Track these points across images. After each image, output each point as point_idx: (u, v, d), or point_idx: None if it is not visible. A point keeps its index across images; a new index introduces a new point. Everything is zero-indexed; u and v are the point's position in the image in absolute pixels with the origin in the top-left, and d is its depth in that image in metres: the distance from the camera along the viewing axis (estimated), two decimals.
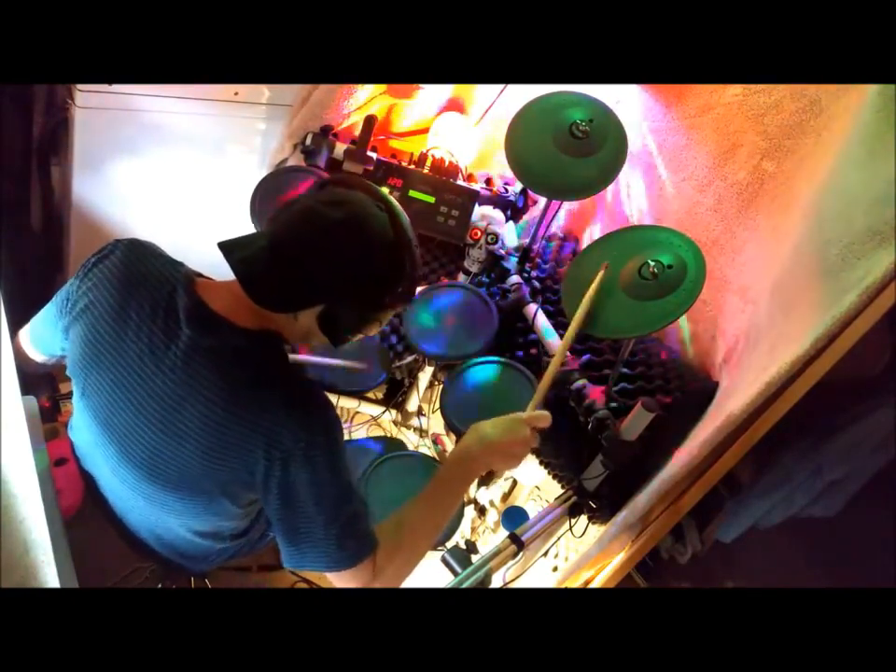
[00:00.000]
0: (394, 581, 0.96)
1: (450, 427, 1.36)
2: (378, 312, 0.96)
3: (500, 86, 1.76)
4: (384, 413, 1.83)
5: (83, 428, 1.00)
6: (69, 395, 1.01)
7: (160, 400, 0.89)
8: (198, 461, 0.89)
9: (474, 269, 1.75)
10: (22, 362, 1.07)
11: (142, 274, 0.93)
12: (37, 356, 1.08)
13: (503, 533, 1.31)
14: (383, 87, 1.72)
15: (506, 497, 1.82)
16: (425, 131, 1.88)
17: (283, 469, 0.87)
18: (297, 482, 0.88)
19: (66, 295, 0.98)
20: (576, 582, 1.37)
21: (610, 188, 1.64)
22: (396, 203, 0.95)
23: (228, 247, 0.89)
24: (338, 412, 1.74)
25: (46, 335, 1.03)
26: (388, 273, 0.92)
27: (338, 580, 0.94)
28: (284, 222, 0.90)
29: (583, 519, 1.35)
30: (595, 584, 1.32)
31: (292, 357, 1.54)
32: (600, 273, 1.21)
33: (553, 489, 1.64)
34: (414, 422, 1.90)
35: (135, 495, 0.97)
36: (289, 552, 0.92)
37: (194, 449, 0.88)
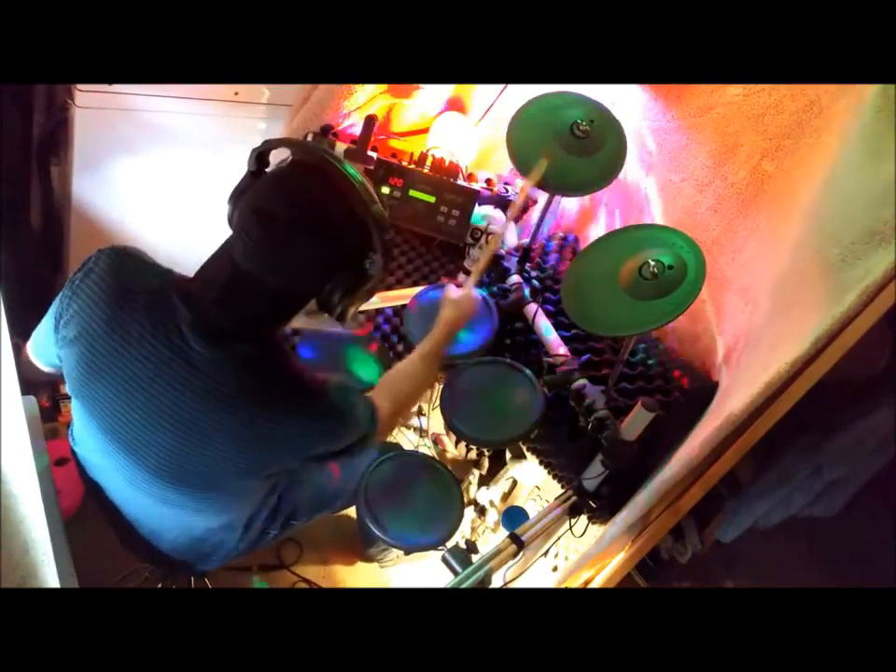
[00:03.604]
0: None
1: (450, 426, 1.36)
2: (368, 279, 0.96)
3: (500, 86, 1.76)
4: None
5: (90, 443, 1.00)
6: (69, 395, 1.01)
7: (178, 413, 0.89)
8: (225, 466, 0.91)
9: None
10: (31, 370, 1.08)
11: (132, 287, 0.92)
12: (42, 366, 1.08)
13: (503, 533, 1.31)
14: (383, 87, 1.72)
15: (506, 496, 1.82)
16: (425, 131, 1.87)
17: (314, 455, 0.96)
18: (329, 454, 0.99)
19: (58, 314, 0.96)
20: (576, 582, 1.37)
21: (610, 187, 1.64)
22: (348, 168, 0.92)
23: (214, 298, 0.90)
24: None
25: (46, 346, 1.03)
26: (360, 245, 0.92)
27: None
28: (248, 241, 0.88)
29: (583, 519, 1.35)
30: (595, 584, 1.32)
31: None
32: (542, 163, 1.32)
33: (553, 489, 1.63)
34: (414, 422, 1.90)
35: (153, 499, 0.98)
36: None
37: (221, 457, 0.90)
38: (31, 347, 1.08)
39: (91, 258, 0.96)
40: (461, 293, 1.31)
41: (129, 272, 0.94)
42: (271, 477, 1.02)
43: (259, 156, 0.93)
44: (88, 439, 1.00)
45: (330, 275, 0.91)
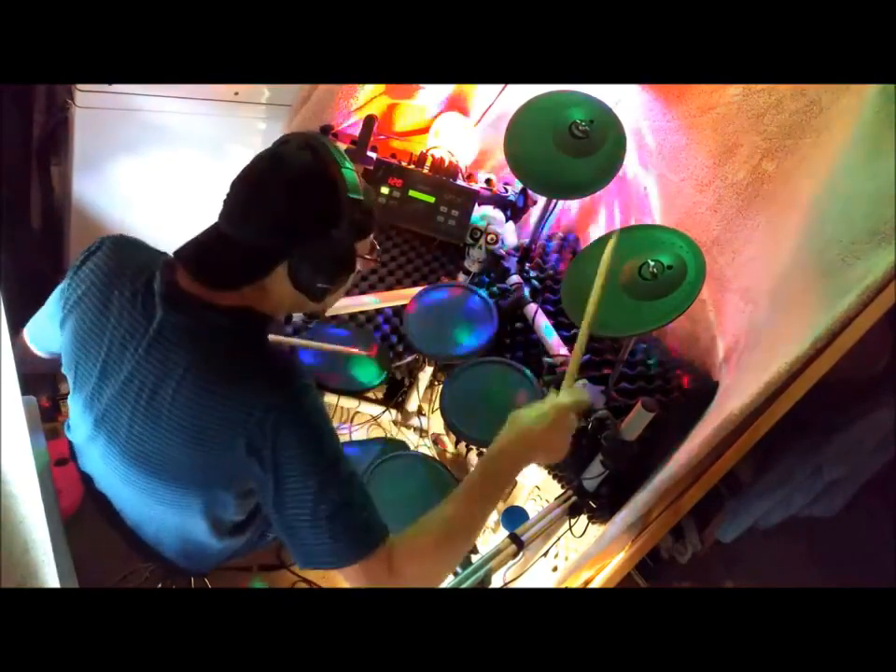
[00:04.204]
0: (422, 581, 0.89)
1: (450, 427, 1.36)
2: (337, 248, 0.92)
3: (500, 86, 1.76)
4: (384, 412, 1.83)
5: (77, 422, 1.00)
6: (69, 395, 1.02)
7: (139, 384, 0.90)
8: (177, 444, 0.88)
9: (474, 269, 1.75)
10: (28, 361, 1.09)
11: (125, 265, 0.96)
12: (39, 352, 1.10)
13: (503, 533, 1.31)
14: (383, 87, 1.72)
15: (506, 496, 1.82)
16: (425, 131, 1.88)
17: (262, 442, 0.85)
18: (279, 456, 0.85)
19: (60, 292, 1.00)
20: (576, 582, 1.37)
21: (610, 187, 1.64)
22: (324, 138, 0.94)
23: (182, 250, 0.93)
24: (338, 412, 1.75)
25: (45, 332, 1.05)
26: (322, 202, 0.90)
27: (346, 577, 0.88)
28: (223, 201, 0.92)
29: (583, 519, 1.35)
30: (595, 584, 1.32)
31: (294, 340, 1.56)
32: (612, 242, 1.10)
33: (553, 489, 1.63)
34: (414, 422, 1.90)
35: (128, 486, 0.97)
36: (292, 550, 0.89)
37: (173, 431, 0.88)
38: (28, 332, 1.10)
39: (94, 242, 1.00)
40: (570, 398, 1.01)
41: (127, 253, 0.98)
42: (248, 497, 0.98)
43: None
44: (77, 421, 1.00)
45: (292, 234, 0.89)
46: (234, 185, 0.91)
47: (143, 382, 0.89)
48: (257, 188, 0.89)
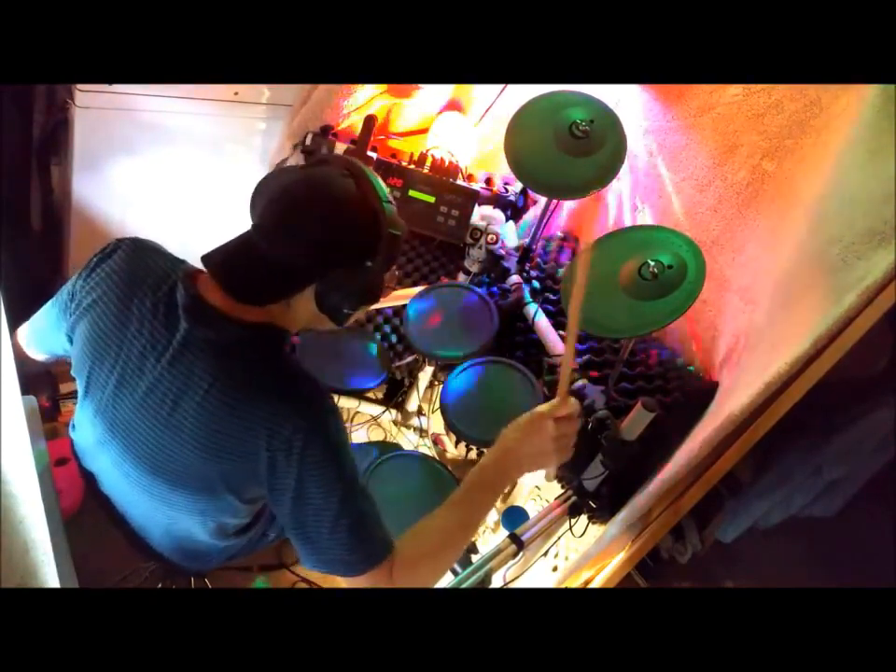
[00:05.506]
0: (416, 585, 0.94)
1: (450, 426, 1.36)
2: (368, 278, 0.93)
3: (500, 86, 1.76)
4: (384, 412, 1.83)
5: (86, 426, 1.00)
6: (69, 395, 1.02)
7: (160, 395, 0.90)
8: (198, 455, 0.89)
9: (474, 269, 1.75)
10: (21, 361, 1.08)
11: (144, 271, 0.95)
12: (37, 355, 1.09)
13: (503, 533, 1.31)
14: (383, 87, 1.72)
15: (506, 496, 1.82)
16: (425, 131, 1.88)
17: (286, 460, 0.87)
18: (302, 473, 0.87)
19: (70, 294, 0.99)
20: (576, 582, 1.37)
21: (610, 187, 1.64)
22: (364, 167, 0.95)
23: (209, 255, 0.92)
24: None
25: (47, 334, 1.04)
26: (363, 233, 0.91)
27: (348, 581, 0.92)
28: (258, 214, 0.92)
29: (583, 519, 1.35)
30: (595, 584, 1.32)
31: None
32: (586, 255, 1.06)
33: (553, 489, 1.63)
34: (414, 422, 1.90)
35: (139, 490, 0.97)
36: (303, 553, 0.92)
37: (194, 443, 0.88)
38: (26, 335, 1.09)
39: (110, 244, 1.00)
40: (546, 406, 1.02)
41: (145, 258, 0.97)
42: (256, 502, 0.99)
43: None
44: (85, 422, 1.00)
45: (329, 260, 0.89)
46: (273, 202, 0.90)
47: (165, 393, 0.89)
48: (298, 209, 0.89)
